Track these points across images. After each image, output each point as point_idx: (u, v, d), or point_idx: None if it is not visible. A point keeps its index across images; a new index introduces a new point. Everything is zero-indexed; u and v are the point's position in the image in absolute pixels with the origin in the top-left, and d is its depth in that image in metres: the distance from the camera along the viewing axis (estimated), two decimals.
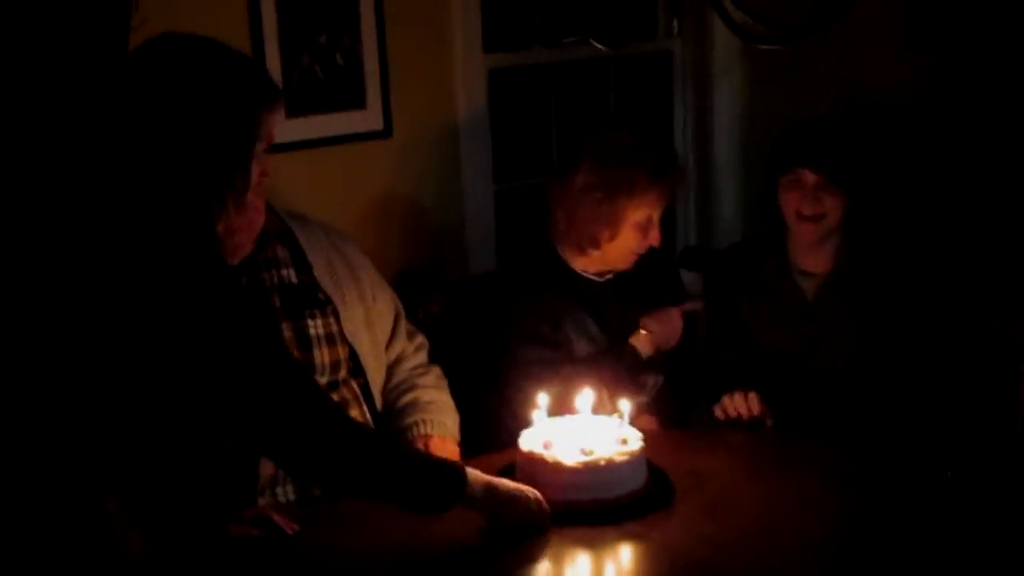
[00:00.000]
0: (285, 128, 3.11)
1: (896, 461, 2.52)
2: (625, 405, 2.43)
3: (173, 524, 2.36)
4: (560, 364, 2.86)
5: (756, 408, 2.66)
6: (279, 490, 2.46)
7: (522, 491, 2.21)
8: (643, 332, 2.93)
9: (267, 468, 2.44)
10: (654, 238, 2.91)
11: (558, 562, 2.19)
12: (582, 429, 2.42)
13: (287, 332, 2.54)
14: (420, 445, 2.57)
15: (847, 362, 2.80)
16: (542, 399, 2.47)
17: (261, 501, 2.44)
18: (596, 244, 2.91)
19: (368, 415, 2.64)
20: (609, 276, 3.02)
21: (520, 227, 3.73)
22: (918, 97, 3.77)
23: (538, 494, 2.23)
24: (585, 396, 2.49)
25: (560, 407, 2.51)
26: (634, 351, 2.90)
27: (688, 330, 3.03)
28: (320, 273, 2.62)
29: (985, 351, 2.93)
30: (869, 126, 2.94)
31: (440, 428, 2.65)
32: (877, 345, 2.79)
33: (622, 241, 2.90)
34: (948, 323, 2.84)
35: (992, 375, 2.93)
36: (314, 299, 2.60)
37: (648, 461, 2.39)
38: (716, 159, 4.14)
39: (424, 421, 2.65)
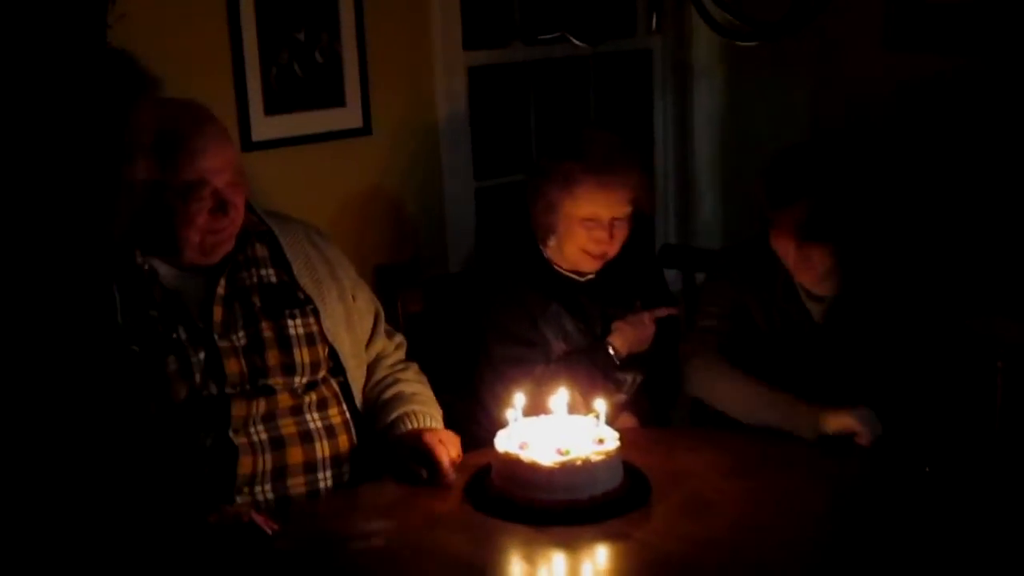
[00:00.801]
0: (264, 125, 3.13)
1: (876, 457, 2.52)
2: (601, 405, 2.43)
3: (153, 522, 2.36)
4: (535, 363, 2.86)
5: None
6: (257, 488, 2.44)
7: None
8: (616, 336, 2.93)
9: (245, 467, 2.42)
10: (601, 240, 2.90)
11: (533, 562, 2.19)
12: (559, 429, 2.41)
13: (267, 332, 2.52)
14: (411, 441, 2.54)
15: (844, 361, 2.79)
16: (518, 399, 2.47)
17: (239, 499, 2.42)
18: (548, 235, 2.95)
19: (348, 413, 2.62)
20: (590, 276, 3.01)
21: (500, 225, 3.73)
22: (898, 93, 3.78)
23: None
24: (560, 396, 2.48)
25: (536, 407, 2.51)
26: (608, 351, 2.90)
27: (666, 331, 3.03)
28: (300, 272, 2.61)
29: (964, 347, 2.93)
30: (846, 156, 2.81)
31: (429, 421, 2.63)
32: (874, 349, 2.78)
33: (568, 236, 2.91)
34: (928, 319, 2.84)
35: (970, 371, 2.93)
36: (294, 299, 2.59)
37: (625, 461, 2.39)
38: (696, 157, 4.14)
39: (413, 414, 2.62)
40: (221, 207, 2.44)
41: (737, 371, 2.74)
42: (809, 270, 2.75)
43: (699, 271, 3.43)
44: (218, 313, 2.49)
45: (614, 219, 2.89)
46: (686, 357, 2.85)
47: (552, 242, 2.97)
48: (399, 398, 2.67)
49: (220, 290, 2.50)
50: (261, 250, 2.59)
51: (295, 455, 2.49)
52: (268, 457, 2.45)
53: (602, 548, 2.21)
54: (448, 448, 2.48)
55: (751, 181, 4.02)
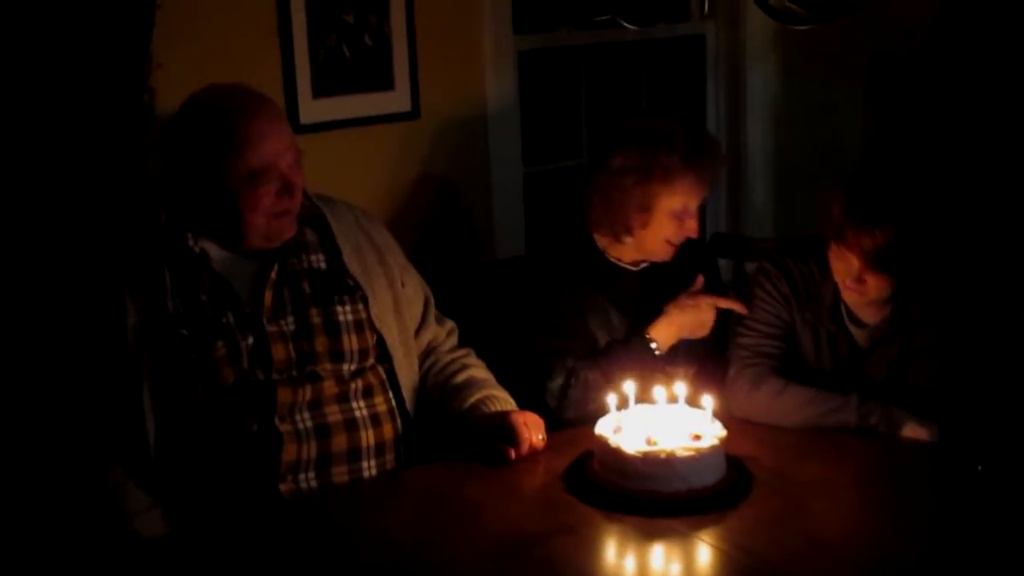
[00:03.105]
0: (312, 109, 3.12)
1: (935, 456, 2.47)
2: (708, 399, 2.39)
3: (199, 505, 2.37)
4: (575, 356, 2.82)
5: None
6: (301, 476, 2.44)
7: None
8: (664, 320, 2.87)
9: (289, 454, 2.41)
10: (691, 228, 2.85)
11: (579, 543, 2.16)
12: (664, 419, 2.38)
13: (316, 318, 2.51)
14: (496, 422, 2.54)
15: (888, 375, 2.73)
16: (628, 386, 2.46)
17: (282, 487, 2.41)
18: (629, 231, 2.86)
19: (393, 402, 2.61)
20: (644, 264, 2.96)
21: (549, 211, 3.70)
22: (951, 76, 3.71)
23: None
24: (679, 387, 2.46)
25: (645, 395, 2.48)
26: (647, 341, 2.85)
27: (720, 323, 2.98)
28: (349, 258, 2.59)
29: (1017, 342, 2.86)
30: (931, 182, 2.65)
31: (509, 404, 2.63)
32: (917, 355, 2.71)
33: (656, 229, 2.84)
34: (981, 316, 2.76)
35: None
36: (343, 285, 2.57)
37: (739, 460, 2.38)
38: (748, 145, 4.10)
39: (495, 398, 2.63)
40: (286, 189, 2.44)
41: (786, 382, 2.68)
42: (860, 293, 2.62)
43: (750, 260, 3.38)
44: (268, 298, 2.47)
45: (697, 207, 2.86)
46: (731, 379, 2.73)
47: (629, 240, 2.89)
48: (473, 383, 2.67)
49: (272, 275, 2.49)
50: (311, 235, 2.58)
51: (339, 443, 2.47)
52: (312, 445, 2.44)
53: (659, 544, 2.17)
54: (532, 430, 2.48)
55: (803, 170, 4.05)
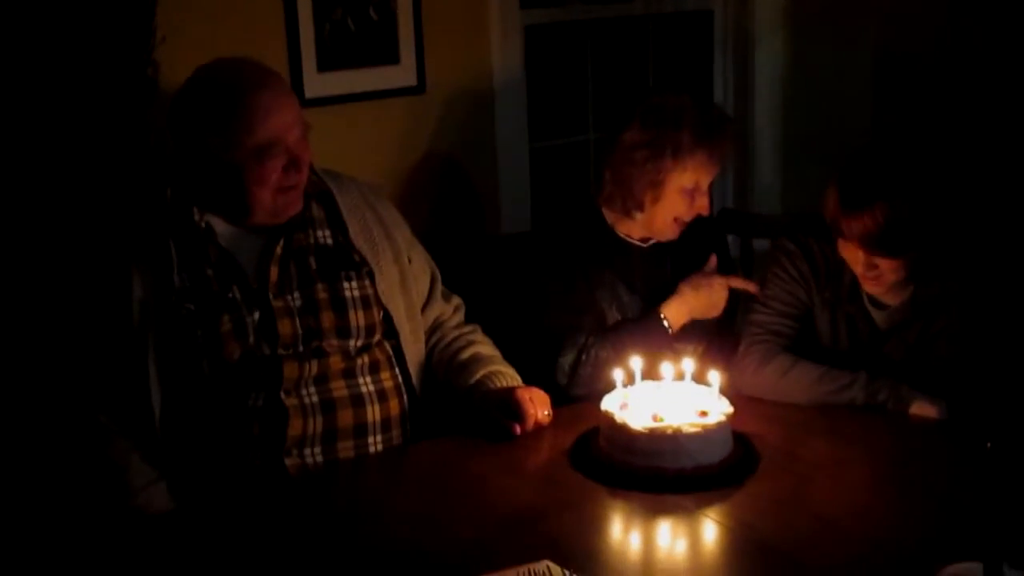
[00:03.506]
0: (317, 83, 3.10)
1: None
2: (715, 376, 2.37)
3: (204, 479, 2.36)
4: (585, 332, 2.80)
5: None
6: (306, 451, 2.43)
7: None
8: (677, 299, 2.85)
9: (295, 428, 2.41)
10: (702, 206, 2.83)
11: (582, 518, 2.16)
12: (669, 396, 2.37)
13: (322, 294, 2.50)
14: (500, 397, 2.54)
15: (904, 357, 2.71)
16: (636, 363, 2.44)
17: (288, 461, 2.41)
18: (640, 207, 2.84)
19: (399, 377, 2.60)
20: (653, 241, 2.95)
21: (555, 186, 3.68)
22: (960, 58, 3.69)
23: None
24: (686, 363, 2.44)
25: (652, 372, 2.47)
26: (661, 320, 2.83)
27: (730, 301, 2.97)
28: (355, 234, 2.58)
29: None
30: (923, 160, 2.56)
31: (515, 380, 2.63)
32: (937, 340, 2.69)
33: (666, 205, 2.82)
34: (998, 299, 2.73)
35: None
36: (349, 261, 2.56)
37: (746, 437, 2.37)
38: (756, 121, 4.07)
39: (500, 374, 2.62)
40: (293, 164, 2.43)
41: (792, 356, 2.67)
42: (877, 280, 2.59)
43: (758, 237, 3.36)
44: (274, 273, 2.46)
45: (710, 183, 2.85)
46: (741, 355, 2.72)
47: (640, 216, 2.87)
48: (479, 359, 2.66)
49: (278, 250, 2.48)
50: (317, 211, 2.57)
51: (345, 418, 2.47)
52: (318, 420, 2.43)
53: (665, 520, 2.16)
54: (537, 406, 2.48)
55: (811, 146, 4.03)
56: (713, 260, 2.91)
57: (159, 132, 2.65)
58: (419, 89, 3.31)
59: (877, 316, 2.70)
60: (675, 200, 2.81)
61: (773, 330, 2.72)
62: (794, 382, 2.63)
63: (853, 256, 2.57)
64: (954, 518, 2.12)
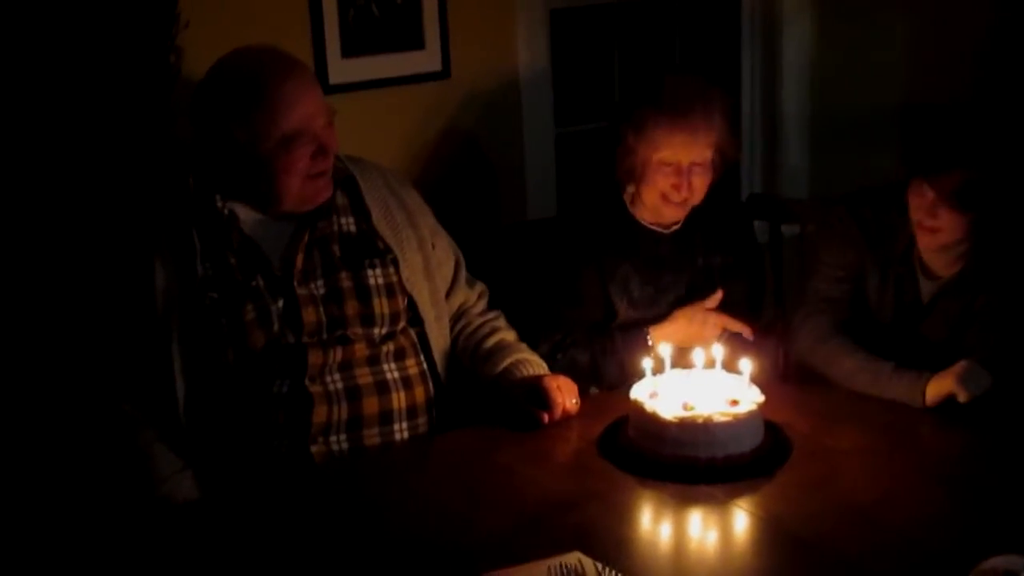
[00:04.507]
0: (341, 69, 3.08)
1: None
2: (746, 364, 2.35)
3: (230, 468, 2.36)
4: (570, 328, 2.81)
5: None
6: (332, 438, 2.42)
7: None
8: (670, 324, 2.84)
9: (320, 416, 2.40)
10: (683, 188, 2.80)
11: (609, 508, 2.14)
12: (701, 384, 2.35)
13: (346, 282, 2.48)
14: (528, 386, 2.53)
15: (947, 336, 2.68)
16: (664, 350, 2.42)
17: (313, 448, 2.40)
18: (628, 182, 2.89)
19: (424, 364, 2.59)
20: (675, 227, 2.93)
21: (581, 172, 3.65)
22: (991, 43, 3.64)
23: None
24: (716, 351, 2.42)
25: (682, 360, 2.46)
26: (645, 339, 2.81)
27: (751, 286, 2.97)
28: (379, 221, 2.57)
29: None
30: (1006, 122, 2.58)
31: (541, 368, 2.62)
32: (976, 322, 2.66)
33: (650, 183, 2.82)
34: None
35: None
36: (373, 248, 2.54)
37: (778, 427, 2.34)
38: (784, 105, 4.04)
39: (527, 362, 2.61)
40: (321, 151, 2.42)
41: (846, 342, 2.66)
42: (933, 232, 2.57)
43: (786, 222, 3.33)
44: (299, 261, 2.45)
45: (693, 164, 2.80)
46: (799, 324, 2.75)
47: (631, 189, 2.90)
48: (505, 347, 2.65)
49: (305, 237, 2.47)
50: (341, 198, 2.55)
51: (370, 405, 2.46)
52: (343, 407, 2.42)
53: (695, 510, 2.15)
54: (565, 394, 2.46)
55: (839, 130, 3.99)
56: (719, 295, 2.89)
57: (181, 119, 2.65)
58: (444, 74, 3.29)
59: (925, 285, 2.68)
60: (653, 177, 2.81)
61: (829, 296, 2.73)
62: (843, 370, 2.63)
63: (919, 199, 2.55)
64: (990, 509, 2.09)
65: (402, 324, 2.56)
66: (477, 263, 2.85)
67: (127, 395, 2.41)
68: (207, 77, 2.44)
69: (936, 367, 2.52)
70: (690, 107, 2.77)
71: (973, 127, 2.55)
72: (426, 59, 3.25)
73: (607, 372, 2.78)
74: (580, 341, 2.80)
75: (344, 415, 2.42)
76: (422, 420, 2.54)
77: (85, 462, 2.53)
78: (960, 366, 2.47)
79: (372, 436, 2.46)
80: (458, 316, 2.73)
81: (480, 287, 2.80)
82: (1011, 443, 2.34)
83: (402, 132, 3.25)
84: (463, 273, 2.76)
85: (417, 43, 3.23)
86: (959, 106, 2.71)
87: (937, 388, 2.48)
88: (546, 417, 2.43)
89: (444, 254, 2.71)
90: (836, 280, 2.74)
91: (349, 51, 3.10)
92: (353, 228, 2.55)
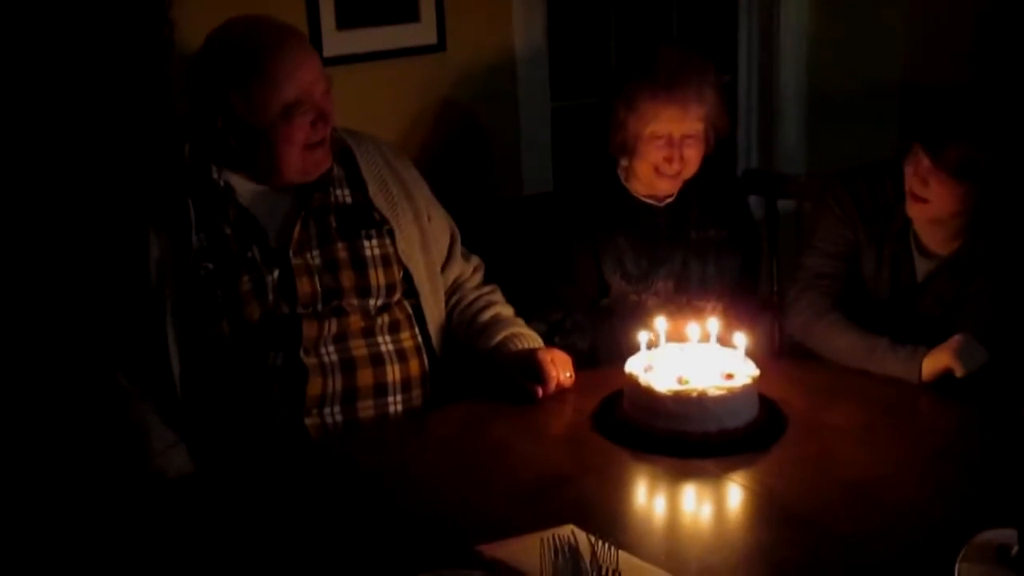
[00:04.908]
0: (336, 41, 3.06)
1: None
2: (741, 338, 2.34)
3: (224, 441, 2.35)
4: (577, 303, 2.83)
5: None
6: (327, 410, 2.42)
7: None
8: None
9: (314, 388, 2.39)
10: (675, 160, 2.82)
11: (605, 480, 2.15)
12: (696, 358, 2.34)
13: (342, 252, 2.48)
14: (522, 359, 2.52)
15: (942, 315, 2.68)
16: (659, 324, 2.42)
17: (308, 421, 2.40)
18: (621, 156, 2.90)
19: (419, 338, 2.58)
20: (669, 200, 2.93)
21: (577, 147, 3.64)
22: (993, 22, 3.62)
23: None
24: (711, 325, 2.41)
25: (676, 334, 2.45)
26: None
27: (748, 258, 2.97)
28: (375, 193, 2.56)
29: None
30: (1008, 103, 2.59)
31: (536, 342, 2.61)
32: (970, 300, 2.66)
33: (642, 155, 2.84)
34: None
35: None
36: (369, 219, 2.54)
37: (772, 401, 2.34)
38: (781, 81, 4.02)
39: (521, 336, 2.61)
40: (321, 118, 2.41)
41: (841, 318, 2.66)
42: (924, 204, 2.56)
43: (782, 198, 3.32)
44: (296, 231, 2.44)
45: (684, 136, 2.81)
46: (793, 300, 2.75)
47: (625, 163, 2.92)
48: (499, 320, 2.65)
49: (301, 210, 2.46)
50: (337, 169, 2.54)
51: (365, 377, 2.45)
52: (338, 378, 2.42)
53: (690, 484, 2.14)
54: (559, 368, 2.46)
55: (837, 106, 3.97)
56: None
57: (177, 91, 2.63)
58: (439, 47, 3.27)
59: (920, 264, 2.67)
60: (645, 149, 2.83)
61: (823, 272, 2.73)
62: (839, 346, 2.63)
63: (914, 168, 2.55)
64: (985, 485, 2.09)
65: (397, 296, 2.55)
66: (472, 238, 2.84)
67: (122, 367, 2.40)
68: (203, 48, 2.42)
69: (932, 343, 2.52)
70: (680, 79, 2.79)
71: (976, 104, 2.55)
72: (421, 32, 3.23)
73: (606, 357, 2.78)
74: (581, 325, 2.79)
75: (339, 387, 2.42)
76: (416, 393, 2.53)
77: (79, 435, 2.52)
78: (956, 341, 2.47)
79: (367, 408, 2.46)
80: (453, 290, 2.72)
81: (476, 261, 2.79)
82: (1006, 419, 2.33)
83: (397, 105, 3.23)
84: (458, 246, 2.75)
85: (412, 16, 3.21)
86: (963, 86, 2.69)
87: (933, 363, 2.47)
88: (540, 391, 2.43)
89: (440, 227, 2.70)
90: (831, 257, 2.74)
91: (344, 23, 3.08)
92: (349, 199, 2.54)
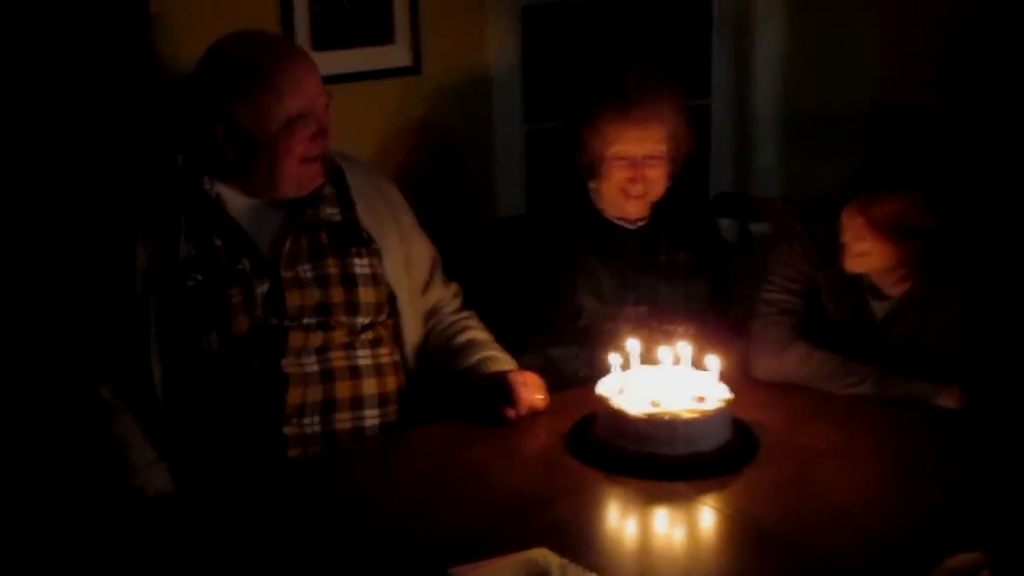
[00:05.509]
0: None
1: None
2: (714, 361, 2.35)
3: (205, 456, 2.34)
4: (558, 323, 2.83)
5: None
6: (305, 420, 2.42)
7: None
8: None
9: (294, 397, 2.40)
10: (639, 181, 2.82)
11: (577, 503, 2.15)
12: (668, 381, 2.34)
13: (333, 268, 2.49)
14: (495, 381, 2.52)
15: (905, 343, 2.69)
16: (632, 345, 2.42)
17: (287, 430, 2.40)
18: (588, 178, 2.90)
19: (398, 355, 2.59)
20: (641, 222, 2.93)
21: (551, 169, 3.65)
22: (968, 40, 3.65)
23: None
24: (682, 348, 2.41)
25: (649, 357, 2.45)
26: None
27: (717, 281, 2.98)
28: (363, 213, 2.58)
29: None
30: (955, 150, 2.59)
31: (509, 364, 2.61)
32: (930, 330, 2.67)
33: (607, 178, 2.85)
34: (998, 279, 2.70)
35: None
36: (358, 238, 2.55)
37: (745, 424, 2.34)
38: (755, 104, 4.03)
39: (495, 358, 2.60)
40: (321, 132, 2.43)
41: (806, 344, 2.65)
42: (860, 259, 2.56)
43: (755, 221, 3.33)
44: (287, 246, 2.45)
45: (648, 157, 2.82)
46: (756, 336, 2.71)
47: (593, 184, 2.92)
48: (475, 343, 2.65)
49: (293, 224, 2.47)
50: (328, 187, 2.55)
51: (343, 389, 2.47)
52: (317, 388, 2.43)
53: (662, 507, 2.14)
54: (531, 390, 2.46)
55: (811, 130, 3.99)
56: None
57: (169, 103, 2.63)
58: (415, 70, 3.28)
59: (876, 307, 2.67)
60: (610, 170, 2.83)
61: (785, 309, 2.71)
62: (810, 371, 2.62)
63: (849, 222, 2.54)
64: (956, 507, 2.10)
65: (383, 316, 2.55)
66: (447, 259, 2.84)
67: (105, 378, 2.40)
68: (205, 59, 2.43)
69: (898, 367, 2.56)
70: (641, 100, 2.80)
71: (909, 154, 2.53)
72: (397, 54, 3.24)
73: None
74: (575, 351, 2.80)
75: (318, 396, 2.43)
76: (392, 409, 2.54)
77: (59, 449, 2.51)
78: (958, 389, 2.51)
79: (344, 420, 2.46)
80: (431, 313, 2.72)
81: (455, 287, 2.80)
82: (978, 441, 2.35)
83: (372, 127, 3.23)
84: (439, 272, 2.76)
85: (387, 37, 3.22)
86: (899, 132, 2.70)
87: (949, 401, 2.51)
88: (511, 413, 2.43)
89: (422, 252, 2.71)
90: (790, 292, 2.71)
91: (319, 44, 3.08)
92: (339, 217, 2.55)
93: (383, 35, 3.21)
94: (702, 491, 2.15)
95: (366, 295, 2.51)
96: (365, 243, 2.55)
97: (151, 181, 2.47)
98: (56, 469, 2.50)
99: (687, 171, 2.96)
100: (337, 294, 2.47)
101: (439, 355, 2.66)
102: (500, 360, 2.60)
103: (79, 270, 2.49)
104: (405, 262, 2.62)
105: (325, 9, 3.09)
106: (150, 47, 2.76)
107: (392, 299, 2.58)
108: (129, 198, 2.46)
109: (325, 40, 3.10)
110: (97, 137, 2.71)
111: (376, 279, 2.54)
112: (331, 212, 2.54)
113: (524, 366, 2.62)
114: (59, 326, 2.54)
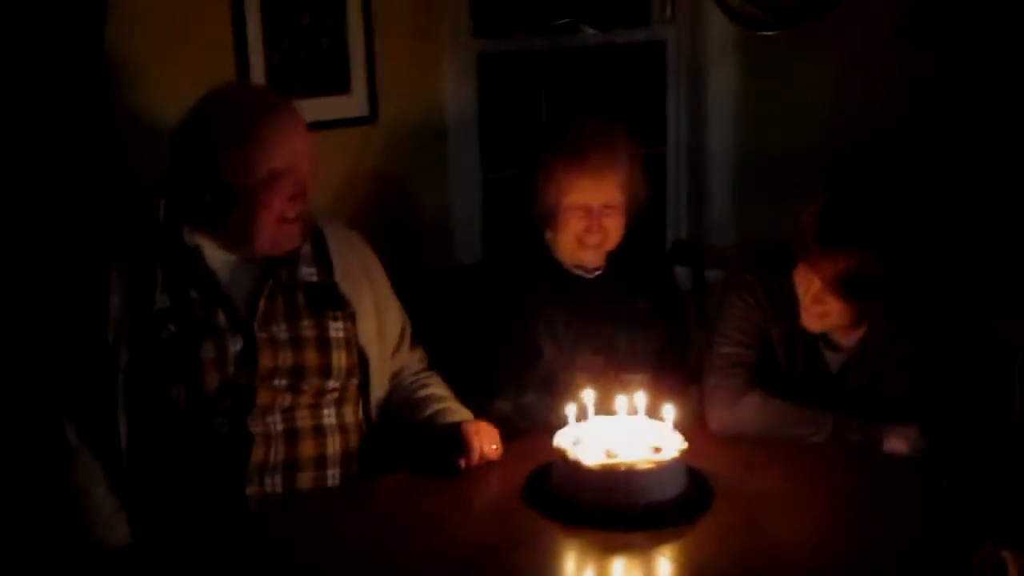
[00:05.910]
0: None
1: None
2: (669, 410, 2.36)
3: (165, 507, 2.32)
4: (520, 371, 2.81)
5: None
6: (267, 480, 2.41)
7: None
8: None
9: (258, 456, 2.39)
10: (595, 231, 2.83)
11: (535, 556, 2.14)
12: (623, 431, 2.34)
13: (308, 331, 2.47)
14: (449, 432, 2.51)
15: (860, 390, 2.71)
16: (587, 396, 2.42)
17: (249, 490, 2.38)
18: (545, 228, 2.91)
19: (362, 413, 2.59)
20: (598, 271, 2.94)
21: (508, 217, 3.66)
22: (913, 88, 3.71)
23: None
24: (637, 397, 2.42)
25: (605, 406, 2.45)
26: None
27: (673, 329, 2.98)
28: (340, 275, 2.57)
29: (983, 353, 2.85)
30: (905, 210, 2.61)
31: (467, 414, 2.60)
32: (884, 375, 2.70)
33: (563, 228, 2.85)
34: (948, 324, 2.74)
35: (989, 378, 2.85)
36: (335, 300, 2.54)
37: (700, 474, 2.34)
38: (709, 151, 4.08)
39: (451, 410, 2.60)
40: (300, 194, 2.42)
41: (762, 393, 2.66)
42: (819, 318, 2.59)
43: (710, 268, 3.36)
44: (262, 304, 2.44)
45: (604, 207, 2.83)
46: (710, 390, 2.71)
47: (549, 234, 2.93)
48: (433, 397, 2.65)
49: (270, 282, 2.46)
50: (306, 247, 2.55)
51: (307, 448, 2.45)
52: (281, 448, 2.42)
53: (619, 558, 2.14)
54: (484, 440, 2.45)
55: (765, 176, 4.04)
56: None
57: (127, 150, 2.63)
58: (371, 119, 3.29)
59: (831, 358, 2.70)
60: (567, 221, 2.84)
61: (738, 362, 2.71)
62: (766, 421, 2.63)
63: (807, 284, 2.56)
64: (908, 548, 2.12)
65: (354, 380, 2.55)
66: (404, 304, 2.84)
67: (71, 422, 2.37)
68: (195, 109, 2.42)
69: (855, 411, 2.58)
70: (594, 150, 2.81)
71: (862, 210, 2.54)
72: (353, 103, 3.25)
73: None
74: (543, 399, 2.79)
75: (281, 456, 2.42)
76: (354, 467, 2.53)
77: (19, 492, 2.47)
78: (914, 430, 2.54)
79: (307, 479, 2.45)
80: (395, 374, 2.72)
81: (420, 352, 2.79)
82: (929, 483, 2.37)
83: (329, 176, 3.21)
84: (408, 339, 2.75)
85: (343, 87, 3.23)
86: (850, 185, 2.72)
87: (897, 445, 2.54)
88: (463, 463, 2.42)
89: (394, 318, 2.71)
90: (743, 345, 2.72)
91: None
92: (315, 278, 2.54)
93: (339, 84, 3.22)
94: (659, 541, 2.16)
95: (338, 359, 2.49)
96: (341, 306, 2.54)
97: (130, 227, 2.46)
98: (15, 513, 2.46)
99: (643, 219, 2.98)
100: (311, 357, 2.46)
101: (398, 411, 2.65)
102: (456, 411, 2.60)
103: (51, 312, 2.46)
104: (379, 329, 2.62)
105: (281, 59, 3.09)
106: (107, 94, 2.75)
107: (363, 363, 2.57)
108: (106, 243, 2.44)
109: (281, 89, 3.08)
110: (67, 182, 2.69)
111: (349, 343, 2.52)
112: (308, 272, 2.53)
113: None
114: (28, 367, 2.50)
